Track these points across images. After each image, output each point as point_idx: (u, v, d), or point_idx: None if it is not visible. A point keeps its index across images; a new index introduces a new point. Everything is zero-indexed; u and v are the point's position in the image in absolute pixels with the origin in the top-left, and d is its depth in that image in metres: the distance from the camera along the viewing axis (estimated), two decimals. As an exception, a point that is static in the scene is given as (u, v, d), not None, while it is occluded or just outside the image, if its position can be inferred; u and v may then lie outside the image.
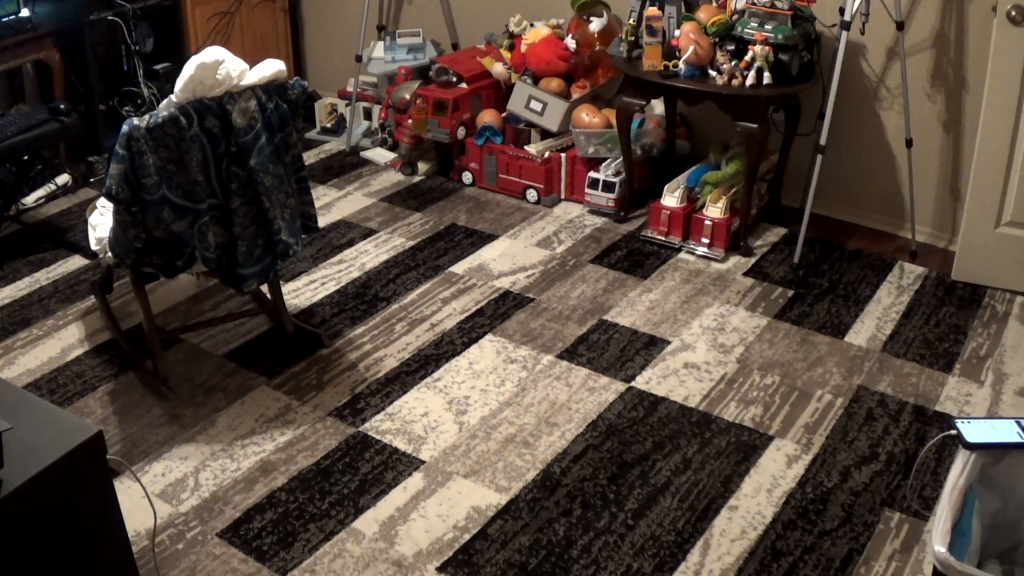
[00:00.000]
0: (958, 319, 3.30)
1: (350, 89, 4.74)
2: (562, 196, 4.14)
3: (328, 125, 4.85)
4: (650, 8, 3.55)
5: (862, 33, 3.51)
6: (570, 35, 4.04)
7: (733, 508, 2.48)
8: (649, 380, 2.97)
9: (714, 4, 3.59)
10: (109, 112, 4.35)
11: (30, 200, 4.08)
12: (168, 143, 2.49)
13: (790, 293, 3.44)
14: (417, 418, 2.80)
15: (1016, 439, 1.94)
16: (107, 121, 4.34)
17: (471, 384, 2.95)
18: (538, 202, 4.09)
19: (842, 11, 3.34)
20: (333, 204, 4.11)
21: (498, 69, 4.22)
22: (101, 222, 2.96)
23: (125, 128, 2.43)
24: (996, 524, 2.02)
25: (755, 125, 3.45)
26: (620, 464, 2.63)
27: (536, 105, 4.05)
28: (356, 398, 2.89)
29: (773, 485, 2.55)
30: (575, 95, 4.06)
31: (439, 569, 2.29)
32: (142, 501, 2.43)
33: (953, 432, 1.96)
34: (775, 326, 3.25)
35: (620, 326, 3.24)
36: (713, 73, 3.46)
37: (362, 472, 2.59)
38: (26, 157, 3.77)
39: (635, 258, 3.67)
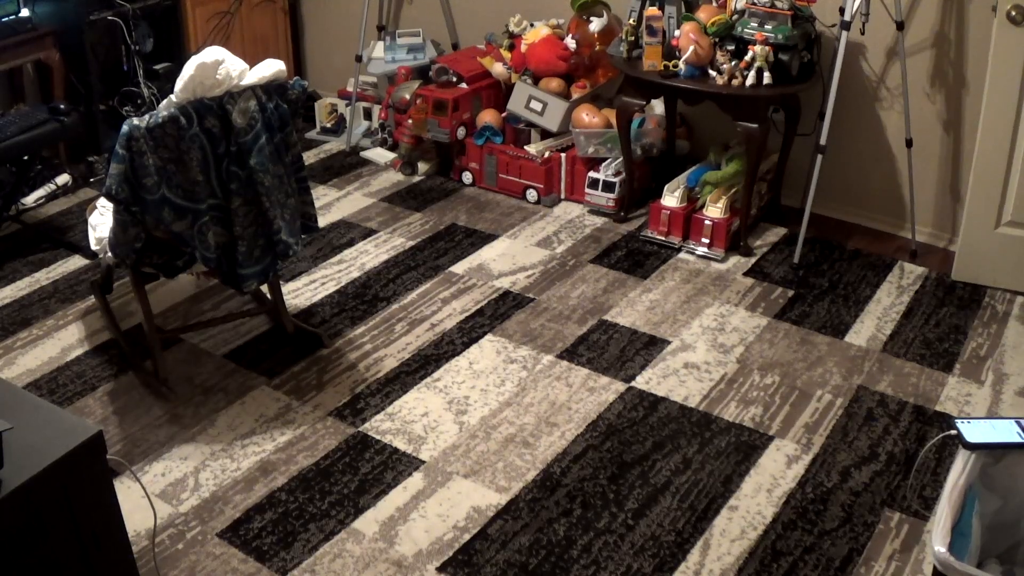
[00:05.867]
0: (958, 319, 3.30)
1: (350, 89, 4.74)
2: (562, 196, 4.14)
3: (328, 125, 4.85)
4: (650, 8, 3.55)
5: (862, 33, 3.51)
6: (570, 35, 4.04)
7: (733, 508, 2.48)
8: (649, 380, 2.97)
9: (714, 4, 3.59)
10: (109, 112, 4.35)
11: (30, 200, 4.08)
12: (168, 143, 2.49)
13: (790, 293, 3.44)
14: (417, 418, 2.81)
15: (1016, 439, 1.94)
16: (107, 121, 4.34)
17: (471, 384, 2.95)
18: (538, 202, 4.09)
19: (842, 11, 3.34)
20: (333, 204, 4.11)
21: (498, 69, 4.22)
22: (101, 222, 2.96)
23: (125, 128, 2.43)
24: (996, 524, 2.02)
25: (755, 125, 3.45)
26: (620, 464, 2.63)
27: (536, 105, 4.05)
28: (356, 398, 2.89)
29: (773, 485, 2.55)
30: (575, 95, 4.06)
31: (439, 569, 2.29)
32: (142, 501, 2.43)
33: (953, 432, 1.96)
34: (775, 326, 3.25)
35: (620, 326, 3.24)
36: (713, 73, 3.46)
37: (362, 472, 2.59)
38: (26, 157, 3.77)
39: (635, 258, 3.67)
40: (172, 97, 2.53)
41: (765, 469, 2.61)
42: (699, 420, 2.80)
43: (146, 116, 2.45)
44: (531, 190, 4.09)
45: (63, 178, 4.23)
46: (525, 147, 4.10)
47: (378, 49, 4.65)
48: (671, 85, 3.52)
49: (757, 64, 3.36)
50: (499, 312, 3.32)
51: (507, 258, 3.67)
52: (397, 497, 2.51)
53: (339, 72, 5.07)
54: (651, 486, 2.55)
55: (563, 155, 4.06)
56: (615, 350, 3.11)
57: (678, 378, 2.98)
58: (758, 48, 3.34)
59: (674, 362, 3.06)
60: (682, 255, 3.69)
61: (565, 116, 4.03)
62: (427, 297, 3.41)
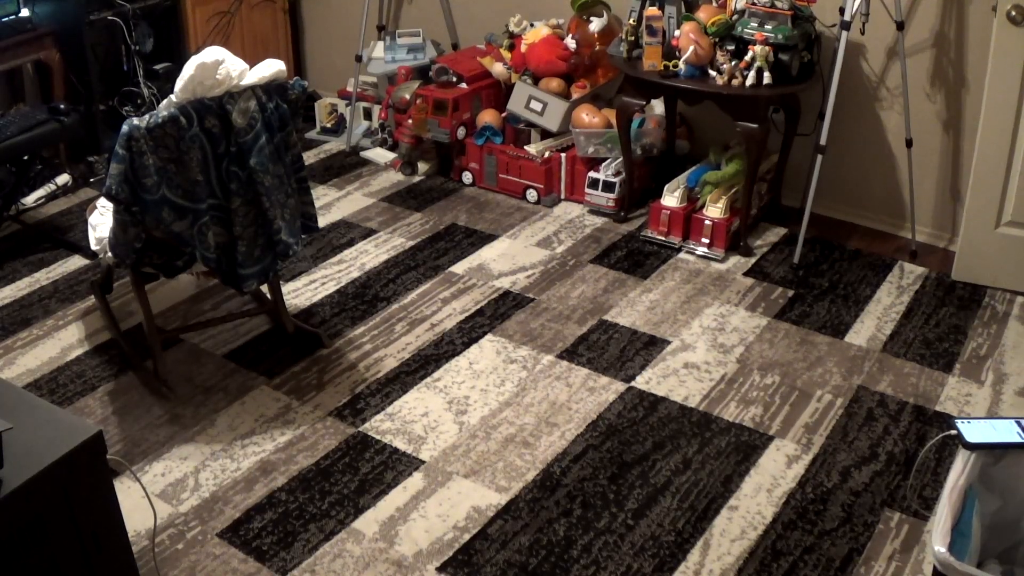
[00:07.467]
0: (958, 319, 3.30)
1: (350, 89, 4.74)
2: (562, 196, 4.14)
3: (328, 125, 4.85)
4: (650, 8, 3.55)
5: (862, 33, 3.51)
6: (570, 35, 4.04)
7: (733, 508, 2.48)
8: (649, 380, 2.97)
9: (714, 4, 3.59)
10: (109, 112, 4.35)
11: (30, 200, 4.08)
12: (168, 143, 2.49)
13: (790, 293, 3.44)
14: (417, 418, 2.81)
15: (1016, 439, 1.94)
16: (107, 121, 4.34)
17: (471, 384, 2.95)
18: (538, 202, 4.09)
19: (842, 11, 3.34)
20: (333, 204, 4.11)
21: (498, 69, 4.22)
22: (101, 222, 2.96)
23: (125, 128, 2.43)
24: (996, 524, 2.02)
25: (755, 125, 3.45)
26: (620, 464, 2.63)
27: (536, 105, 4.05)
28: (356, 398, 2.89)
29: (773, 485, 2.55)
30: (575, 95, 4.06)
31: (439, 569, 2.29)
32: (142, 501, 2.43)
33: (953, 432, 1.96)
34: (775, 326, 3.25)
35: (620, 326, 3.24)
36: (713, 73, 3.46)
37: (362, 472, 2.60)
38: (26, 157, 3.77)
39: (635, 258, 3.67)
40: (172, 97, 2.53)
41: (765, 469, 2.61)
42: (699, 420, 2.80)
43: (146, 116, 2.45)
44: (531, 190, 4.09)
45: (63, 178, 4.23)
46: (525, 147, 4.10)
47: (378, 49, 4.65)
48: (671, 85, 3.52)
49: (757, 64, 3.36)
50: (499, 312, 3.32)
51: (507, 258, 3.67)
52: (397, 497, 2.51)
53: (339, 72, 5.07)
54: (651, 486, 2.55)
55: (563, 155, 4.06)
56: (615, 350, 3.11)
57: (678, 378, 2.98)
58: (758, 48, 3.34)
59: (674, 362, 3.06)
60: (682, 255, 3.69)
61: (565, 116, 4.03)
62: (427, 297, 3.41)
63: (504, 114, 4.17)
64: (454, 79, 4.18)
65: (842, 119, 3.76)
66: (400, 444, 2.70)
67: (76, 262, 3.66)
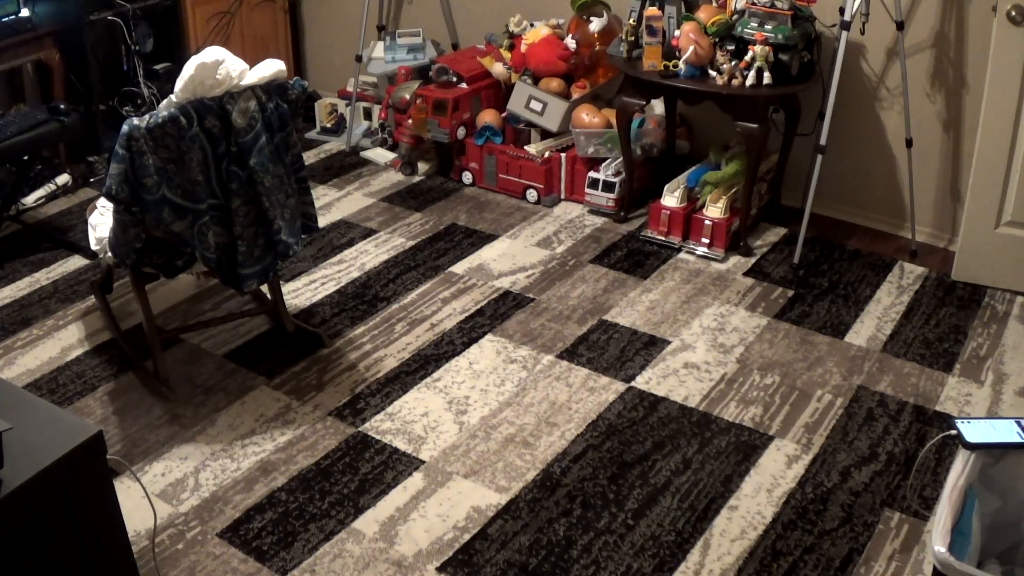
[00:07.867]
0: (958, 319, 3.30)
1: (350, 89, 4.74)
2: (562, 196, 4.14)
3: (328, 125, 4.85)
4: (650, 8, 3.55)
5: (862, 33, 3.51)
6: (570, 35, 4.04)
7: (733, 508, 2.48)
8: (649, 380, 2.97)
9: (714, 4, 3.59)
10: (109, 112, 4.35)
11: (30, 200, 4.08)
12: (168, 143, 2.49)
13: (790, 293, 3.44)
14: (417, 418, 2.81)
15: (1016, 439, 1.94)
16: (107, 121, 4.34)
17: (471, 384, 2.95)
18: (538, 202, 4.09)
19: (842, 11, 3.34)
20: (333, 204, 4.11)
21: (498, 69, 4.22)
22: (101, 222, 2.96)
23: (125, 128, 2.43)
24: (996, 524, 2.02)
25: (755, 125, 3.45)
26: (620, 464, 2.63)
27: (536, 105, 4.05)
28: (356, 398, 2.89)
29: (773, 485, 2.55)
30: (575, 95, 4.06)
31: (439, 569, 2.29)
32: (142, 501, 2.43)
33: (953, 432, 1.96)
34: (775, 326, 3.25)
35: (620, 326, 3.24)
36: (713, 73, 3.46)
37: (362, 472, 2.60)
38: (26, 157, 3.77)
39: (635, 258, 3.67)
40: (172, 97, 2.53)
41: (765, 469, 2.61)
42: (699, 420, 2.80)
43: (146, 116, 2.46)
44: (531, 190, 4.09)
45: (63, 178, 4.23)
46: (525, 147, 4.10)
47: (378, 49, 4.65)
48: (671, 85, 3.52)
49: (757, 64, 3.36)
50: (499, 312, 3.32)
51: (507, 258, 3.67)
52: (397, 497, 2.51)
53: (339, 72, 5.07)
54: (651, 486, 2.55)
55: (563, 155, 4.06)
56: (615, 350, 3.11)
57: (678, 378, 2.98)
58: (758, 48, 3.34)
59: (674, 362, 3.06)
60: (682, 255, 3.69)
61: (565, 116, 4.02)
62: (427, 297, 3.41)
63: (504, 114, 4.17)
64: (454, 79, 4.18)
65: (842, 119, 3.76)
66: (400, 444, 2.70)
67: (76, 262, 3.66)
